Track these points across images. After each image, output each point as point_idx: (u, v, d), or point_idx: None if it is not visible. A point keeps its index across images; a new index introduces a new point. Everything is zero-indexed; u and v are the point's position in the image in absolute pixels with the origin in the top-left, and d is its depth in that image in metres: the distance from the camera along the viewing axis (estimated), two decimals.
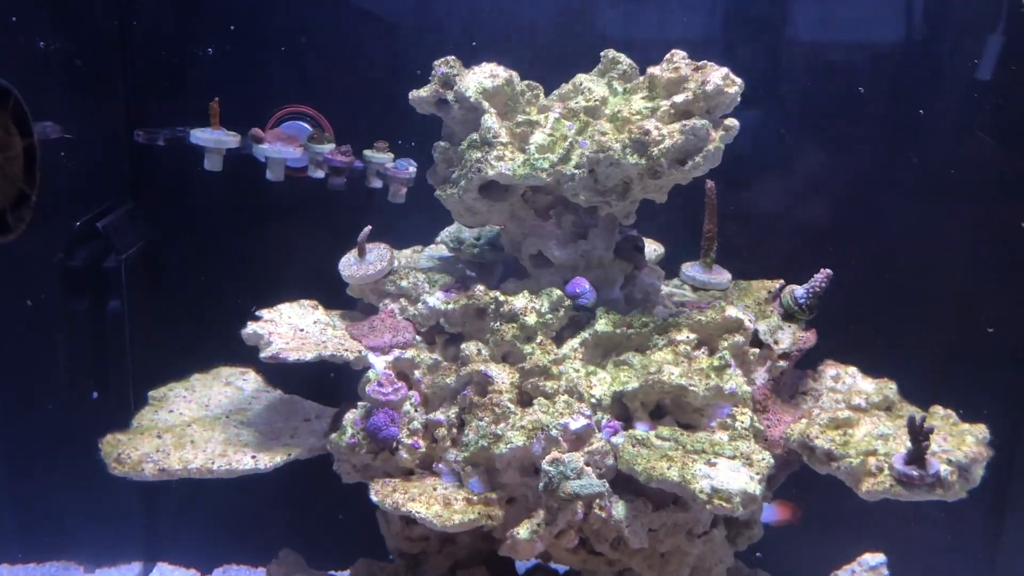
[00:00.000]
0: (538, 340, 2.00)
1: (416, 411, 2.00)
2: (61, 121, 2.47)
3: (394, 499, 1.85)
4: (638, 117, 1.99)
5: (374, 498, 1.88)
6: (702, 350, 2.01)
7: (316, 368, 2.01)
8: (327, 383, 2.31)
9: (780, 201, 2.71)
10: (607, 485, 1.82)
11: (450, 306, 2.08)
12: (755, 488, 1.74)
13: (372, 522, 2.16)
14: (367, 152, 2.42)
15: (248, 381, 2.28)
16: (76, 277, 2.55)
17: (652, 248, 2.41)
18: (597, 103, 2.06)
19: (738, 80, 1.96)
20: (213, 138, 2.28)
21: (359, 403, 1.99)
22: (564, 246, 2.10)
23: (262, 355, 1.91)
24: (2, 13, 2.35)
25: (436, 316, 2.10)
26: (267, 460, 1.94)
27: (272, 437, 2.04)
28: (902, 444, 1.85)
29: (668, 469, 1.76)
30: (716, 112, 1.98)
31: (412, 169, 2.43)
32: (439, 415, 2.00)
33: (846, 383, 2.12)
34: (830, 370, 2.16)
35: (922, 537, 2.83)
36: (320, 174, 2.40)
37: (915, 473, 1.78)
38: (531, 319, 2.00)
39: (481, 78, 2.05)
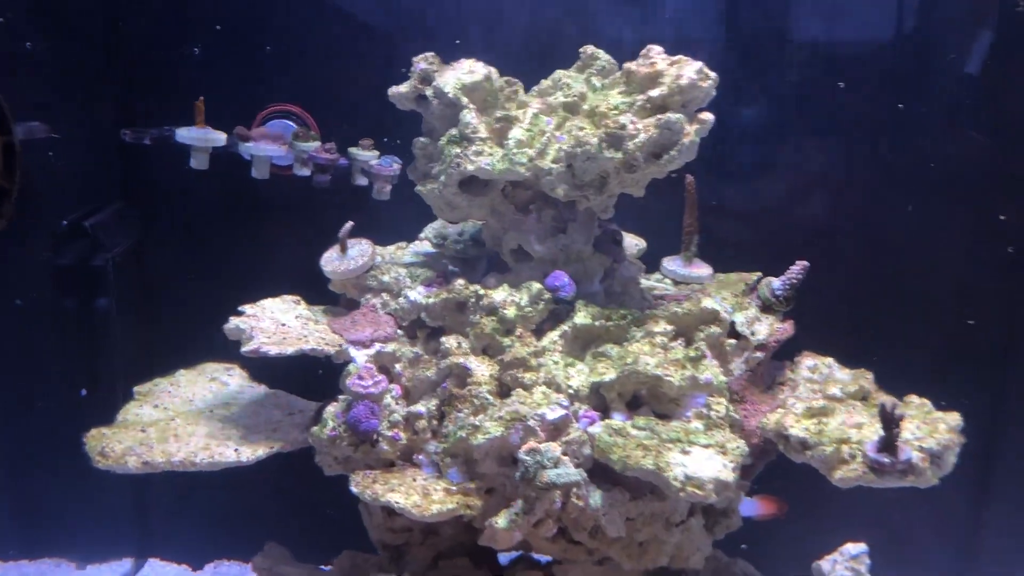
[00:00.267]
0: (517, 333, 2.02)
1: (397, 404, 2.02)
2: (49, 121, 2.51)
3: (374, 490, 1.87)
4: (615, 112, 2.01)
5: (354, 489, 1.90)
6: (679, 341, 2.03)
7: (304, 364, 2.04)
8: (315, 380, 2.33)
9: (765, 196, 2.74)
10: (584, 474, 1.84)
11: (431, 300, 2.10)
12: (728, 475, 1.76)
13: (360, 516, 2.19)
14: (352, 150, 2.44)
15: (233, 376, 2.31)
16: (65, 276, 2.58)
17: (634, 242, 2.44)
18: (576, 98, 2.08)
19: (712, 74, 1.98)
20: (198, 137, 2.31)
21: (340, 396, 2.01)
22: (544, 240, 2.12)
23: (243, 349, 1.94)
24: None
25: (417, 310, 2.12)
26: (249, 453, 1.96)
27: (255, 431, 2.06)
28: (875, 432, 1.87)
29: (643, 457, 1.79)
30: (691, 106, 2.01)
31: (396, 166, 2.45)
32: (419, 407, 2.02)
33: (823, 373, 2.14)
34: (808, 361, 2.18)
35: (904, 527, 2.85)
36: (305, 172, 2.42)
37: (886, 460, 1.80)
38: (511, 312, 2.03)
39: (460, 74, 2.08)
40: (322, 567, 2.38)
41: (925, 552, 2.90)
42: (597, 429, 1.90)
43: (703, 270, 2.32)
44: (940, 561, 2.93)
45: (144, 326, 2.78)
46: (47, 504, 2.90)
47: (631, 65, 2.06)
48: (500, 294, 2.05)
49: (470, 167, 2.02)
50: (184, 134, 2.31)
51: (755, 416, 2.05)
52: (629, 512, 1.92)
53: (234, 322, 2.00)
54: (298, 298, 2.19)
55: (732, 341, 2.10)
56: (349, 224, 2.18)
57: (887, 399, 2.02)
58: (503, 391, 1.98)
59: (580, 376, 1.98)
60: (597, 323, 2.05)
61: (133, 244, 2.73)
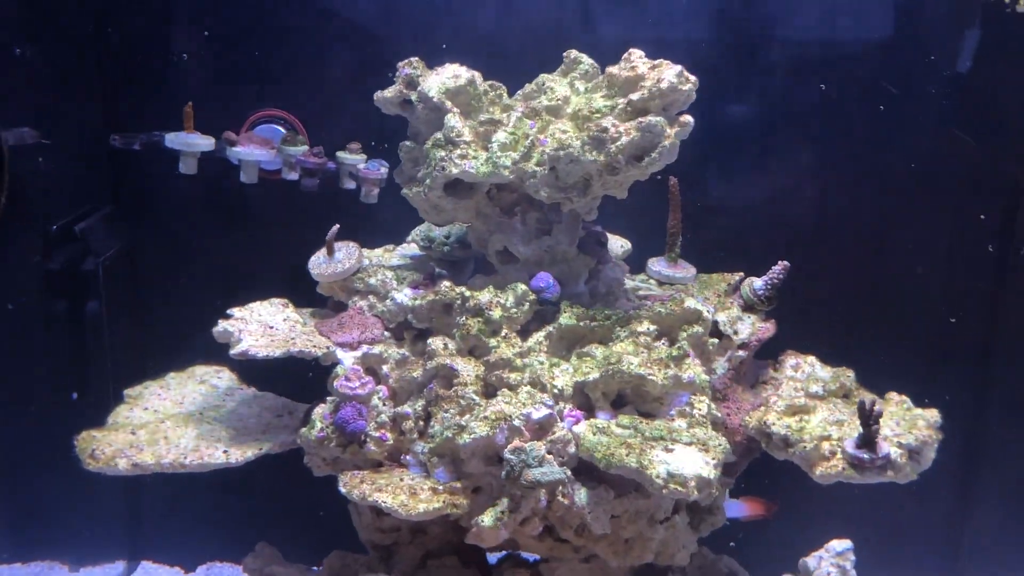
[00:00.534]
0: (503, 334, 2.05)
1: (384, 405, 2.05)
2: (39, 127, 2.54)
3: (361, 490, 1.89)
4: (597, 115, 2.04)
5: (342, 489, 1.92)
6: (662, 341, 2.06)
7: (293, 367, 2.06)
8: (304, 382, 2.34)
9: (747, 197, 2.77)
10: (568, 472, 1.87)
11: (418, 302, 2.12)
12: (710, 473, 1.79)
13: (349, 516, 2.21)
14: (340, 154, 2.47)
15: (222, 379, 2.33)
16: (55, 280, 2.59)
17: (620, 244, 2.47)
18: (559, 102, 2.11)
19: (692, 78, 2.01)
20: (187, 142, 2.33)
21: (328, 398, 2.03)
22: (529, 242, 2.15)
23: (232, 352, 1.96)
24: None
25: (404, 312, 2.15)
26: (239, 454, 1.98)
27: (244, 432, 2.09)
28: (856, 429, 1.90)
29: (627, 456, 1.81)
30: (672, 109, 2.03)
31: (384, 170, 2.48)
32: (406, 408, 2.04)
33: (805, 372, 2.17)
34: (790, 359, 2.21)
35: (889, 524, 2.88)
36: (293, 176, 2.45)
37: (865, 456, 1.83)
38: (496, 313, 2.05)
39: (444, 79, 2.10)
40: (312, 567, 2.40)
41: (910, 549, 2.93)
42: (582, 428, 1.93)
43: (687, 271, 2.34)
44: (925, 558, 2.96)
45: (134, 329, 2.80)
46: (40, 507, 2.91)
47: (613, 69, 2.09)
48: (486, 296, 2.07)
49: (455, 170, 2.05)
50: (173, 139, 2.33)
51: (738, 414, 2.08)
52: (614, 509, 1.95)
53: (223, 325, 2.02)
54: (286, 301, 2.21)
55: (715, 340, 2.13)
56: (335, 227, 2.20)
57: (867, 396, 2.06)
58: (489, 391, 2.01)
59: (565, 376, 2.01)
60: (582, 323, 2.07)
61: (123, 248, 2.74)
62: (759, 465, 2.17)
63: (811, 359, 2.21)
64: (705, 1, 2.66)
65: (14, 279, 2.68)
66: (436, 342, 2.06)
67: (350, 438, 1.99)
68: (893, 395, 2.07)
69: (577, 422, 1.95)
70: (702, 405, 1.96)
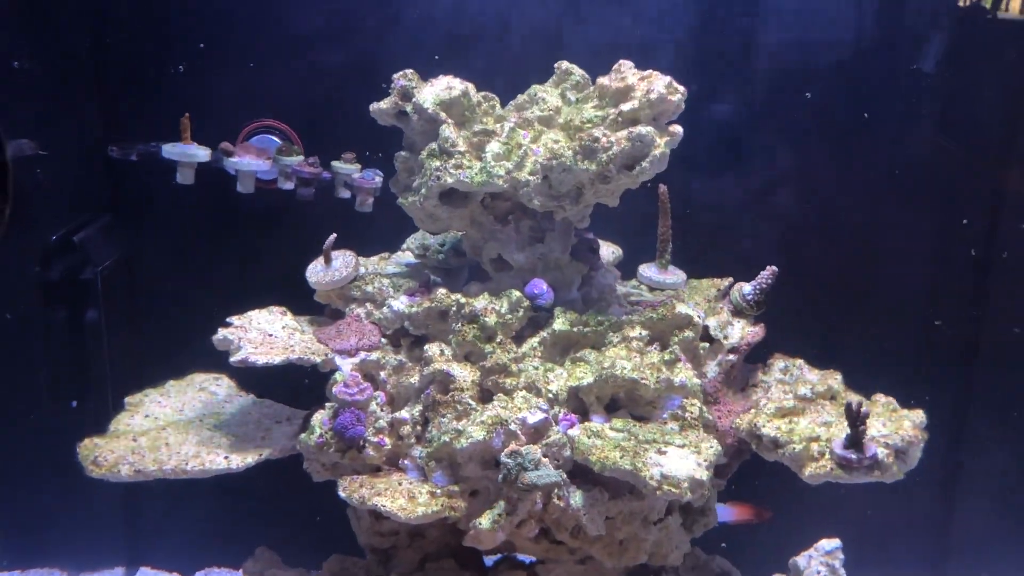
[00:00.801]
0: (498, 340, 2.09)
1: (382, 410, 2.08)
2: (37, 138, 2.56)
3: (360, 494, 1.93)
4: (588, 125, 2.08)
5: (342, 494, 1.96)
6: (654, 346, 2.10)
7: (292, 374, 2.09)
8: (302, 388, 2.37)
9: (735, 203, 2.81)
10: (564, 475, 1.91)
11: (414, 309, 2.16)
12: (702, 474, 1.83)
13: (348, 520, 2.25)
14: (335, 163, 2.51)
15: (221, 386, 2.35)
16: (54, 289, 2.61)
17: (611, 250, 2.51)
18: (551, 112, 2.15)
19: (681, 88, 2.05)
20: (184, 152, 2.36)
21: (327, 404, 2.07)
22: (522, 249, 2.19)
23: (232, 359, 1.98)
24: None
25: (400, 319, 2.18)
26: (239, 460, 2.01)
27: (244, 439, 2.11)
28: (843, 430, 1.95)
29: (621, 458, 1.85)
30: (662, 119, 2.07)
31: (378, 179, 2.52)
32: (404, 413, 2.08)
33: (794, 375, 2.21)
34: (779, 363, 2.26)
35: (877, 523, 2.93)
36: (289, 186, 2.49)
37: (853, 456, 1.87)
38: (491, 320, 2.09)
39: (438, 90, 2.14)
40: (312, 571, 2.43)
41: (897, 547, 2.98)
42: (576, 432, 1.96)
43: (677, 276, 2.38)
44: (911, 555, 3.01)
45: (133, 338, 2.82)
46: (38, 514, 2.93)
47: (603, 79, 2.13)
48: (481, 302, 2.11)
49: (449, 180, 2.09)
50: (170, 150, 2.36)
51: (729, 417, 2.13)
52: (609, 511, 1.98)
53: (222, 333, 2.05)
54: (284, 309, 2.24)
55: (705, 345, 2.17)
56: (332, 236, 2.23)
57: (854, 398, 2.10)
58: (485, 396, 2.04)
59: (559, 381, 2.05)
60: (575, 329, 2.12)
61: (121, 258, 2.76)
62: (749, 466, 2.22)
63: (799, 362, 2.25)
64: (692, 5, 2.69)
65: (13, 289, 2.70)
66: (432, 348, 2.09)
67: (349, 443, 2.03)
68: (880, 397, 2.11)
69: (572, 426, 1.99)
70: (694, 408, 2.01)
